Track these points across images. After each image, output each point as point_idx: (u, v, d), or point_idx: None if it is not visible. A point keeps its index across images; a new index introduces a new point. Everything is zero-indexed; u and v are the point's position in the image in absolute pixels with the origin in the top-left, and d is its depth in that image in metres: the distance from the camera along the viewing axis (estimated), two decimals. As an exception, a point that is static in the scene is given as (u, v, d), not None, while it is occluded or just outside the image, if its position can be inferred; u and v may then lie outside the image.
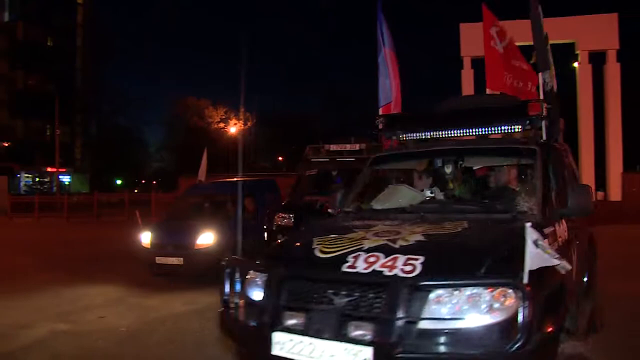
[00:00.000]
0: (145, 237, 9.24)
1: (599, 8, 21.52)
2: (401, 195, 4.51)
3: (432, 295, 2.70)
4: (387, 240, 3.19)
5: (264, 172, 37.47)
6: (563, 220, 3.89)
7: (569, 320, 3.25)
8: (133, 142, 65.35)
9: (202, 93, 75.16)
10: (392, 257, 2.93)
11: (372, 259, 2.96)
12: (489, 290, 2.63)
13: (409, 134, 5.04)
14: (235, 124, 59.68)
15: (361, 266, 2.94)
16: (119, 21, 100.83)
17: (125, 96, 70.31)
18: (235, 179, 12.98)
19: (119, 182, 67.22)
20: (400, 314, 2.66)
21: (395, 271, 2.81)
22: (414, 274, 2.76)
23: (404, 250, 2.99)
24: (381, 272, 2.85)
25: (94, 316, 6.67)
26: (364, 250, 3.08)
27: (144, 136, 71.90)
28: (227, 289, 3.37)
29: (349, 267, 2.96)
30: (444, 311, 2.66)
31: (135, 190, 51.40)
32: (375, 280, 2.83)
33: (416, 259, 2.85)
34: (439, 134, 4.88)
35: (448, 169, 4.63)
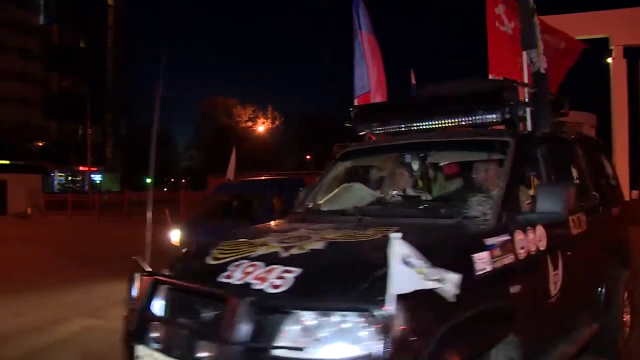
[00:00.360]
0: (175, 236, 9.35)
1: (634, 1, 20.93)
2: (351, 195, 4.05)
3: (291, 318, 2.24)
4: (283, 247, 2.77)
5: (292, 171, 37.59)
6: (539, 227, 3.27)
7: (514, 351, 2.76)
8: (162, 141, 66.25)
9: (230, 92, 75.84)
10: (270, 267, 2.51)
11: (250, 269, 2.56)
12: (360, 317, 2.15)
13: (384, 127, 4.48)
14: (263, 122, 60.07)
15: (237, 277, 2.55)
16: (148, 22, 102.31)
17: (154, 96, 71.19)
18: (263, 178, 13.06)
19: (148, 180, 68.17)
20: (246, 337, 2.23)
21: (264, 285, 2.40)
22: (278, 290, 2.34)
23: (287, 260, 2.57)
24: (250, 284, 2.45)
25: (124, 312, 6.76)
26: (250, 258, 2.68)
27: (173, 135, 72.94)
28: (133, 293, 3.06)
29: (227, 277, 2.58)
30: (304, 338, 2.19)
31: (165, 189, 52.10)
32: (234, 294, 2.40)
33: (291, 272, 2.42)
34: (413, 126, 4.30)
35: (415, 166, 4.17)
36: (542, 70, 3.84)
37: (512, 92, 3.74)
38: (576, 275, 3.70)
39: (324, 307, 2.23)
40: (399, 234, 2.06)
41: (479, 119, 3.88)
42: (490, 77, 5.10)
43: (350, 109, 4.77)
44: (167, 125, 71.54)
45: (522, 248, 3.04)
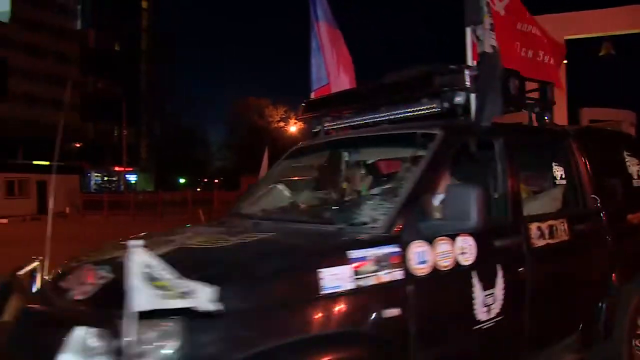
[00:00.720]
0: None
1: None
2: (272, 198, 3.75)
3: (76, 333, 1.97)
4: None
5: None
6: (465, 237, 2.68)
7: None
8: (196, 141, 67.26)
9: (262, 92, 76.48)
10: (95, 273, 2.31)
11: (83, 274, 2.38)
12: (105, 335, 1.93)
13: (335, 122, 3.95)
14: (295, 123, 60.34)
15: (67, 281, 2.38)
16: (182, 24, 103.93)
17: (188, 97, 72.50)
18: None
19: (182, 180, 69.37)
20: (28, 348, 2.03)
21: (75, 291, 2.23)
22: (83, 297, 2.16)
23: (113, 266, 2.32)
24: (69, 290, 2.28)
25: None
26: (93, 262, 2.49)
27: (206, 136, 74.03)
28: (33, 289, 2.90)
29: (63, 281, 2.42)
30: (79, 355, 1.94)
31: (198, 189, 52.82)
32: (28, 300, 2.22)
33: (104, 279, 2.22)
34: (363, 120, 3.75)
35: (344, 164, 3.85)
36: (488, 49, 3.20)
37: (448, 76, 3.17)
38: (540, 296, 3.10)
39: (94, 321, 1.99)
40: (139, 242, 1.76)
41: (422, 109, 3.35)
42: (474, 62, 4.39)
43: (302, 104, 4.35)
44: (201, 126, 72.70)
45: (423, 262, 2.51)
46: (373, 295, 2.32)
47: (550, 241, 3.22)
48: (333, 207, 3.21)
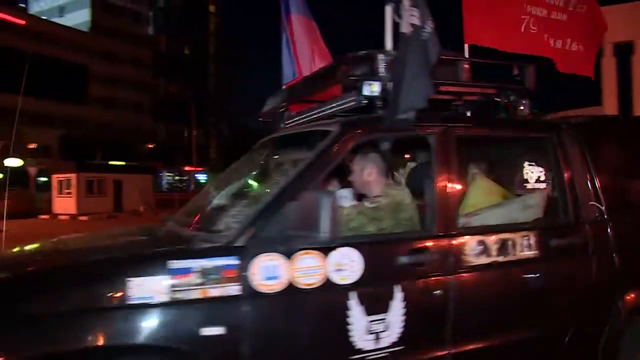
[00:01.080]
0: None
1: None
2: (198, 199, 3.58)
3: None
4: (47, 246, 2.77)
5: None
6: (350, 250, 2.35)
7: None
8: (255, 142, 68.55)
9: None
10: None
11: None
12: None
13: (296, 117, 3.50)
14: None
15: None
16: (249, 27, 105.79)
17: (255, 98, 73.85)
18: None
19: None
20: None
21: None
22: None
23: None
24: None
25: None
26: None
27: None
28: None
29: None
30: None
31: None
32: None
33: None
34: (305, 116, 3.31)
35: (272, 165, 3.57)
36: (407, 29, 2.65)
37: (358, 64, 2.75)
38: (476, 326, 2.64)
39: None
40: None
41: (342, 103, 2.87)
42: (466, 46, 3.64)
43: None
44: (259, 127, 74.18)
45: (273, 279, 2.21)
46: (193, 310, 2.14)
47: (499, 259, 2.69)
48: (209, 212, 3.04)
